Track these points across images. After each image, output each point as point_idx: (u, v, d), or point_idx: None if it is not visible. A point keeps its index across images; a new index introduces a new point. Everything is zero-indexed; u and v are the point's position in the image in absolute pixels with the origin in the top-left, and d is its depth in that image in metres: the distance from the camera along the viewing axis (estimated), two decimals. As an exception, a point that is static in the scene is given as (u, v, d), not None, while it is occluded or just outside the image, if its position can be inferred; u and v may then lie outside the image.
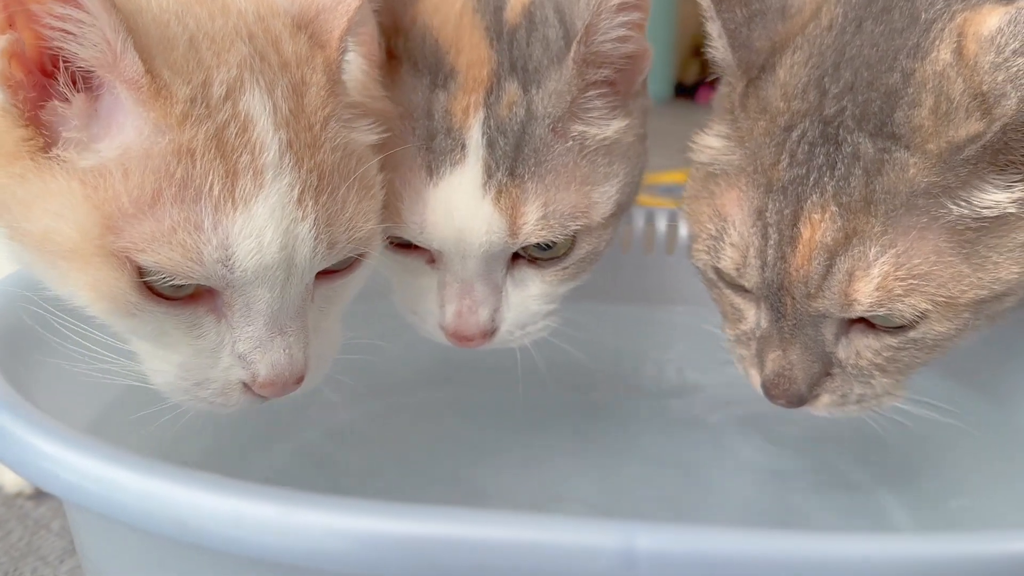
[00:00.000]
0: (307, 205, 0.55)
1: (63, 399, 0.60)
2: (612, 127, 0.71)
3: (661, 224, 0.95)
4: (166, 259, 0.51)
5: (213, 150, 0.52)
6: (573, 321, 0.80)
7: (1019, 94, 0.53)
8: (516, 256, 0.72)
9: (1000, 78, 0.54)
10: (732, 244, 0.63)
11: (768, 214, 0.60)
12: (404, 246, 0.71)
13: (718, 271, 0.66)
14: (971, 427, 0.76)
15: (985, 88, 0.55)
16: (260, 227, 0.53)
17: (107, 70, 0.52)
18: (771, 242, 0.60)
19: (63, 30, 0.50)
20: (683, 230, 0.94)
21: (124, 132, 0.52)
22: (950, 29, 0.58)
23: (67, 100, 0.53)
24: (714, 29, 0.64)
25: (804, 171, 0.59)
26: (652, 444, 0.89)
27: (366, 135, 0.63)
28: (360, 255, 0.61)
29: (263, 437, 0.80)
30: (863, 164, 0.57)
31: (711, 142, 0.67)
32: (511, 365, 0.94)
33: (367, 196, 0.60)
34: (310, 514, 0.43)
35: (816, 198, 0.58)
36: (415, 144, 0.68)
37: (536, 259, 0.72)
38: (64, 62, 0.52)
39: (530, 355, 0.84)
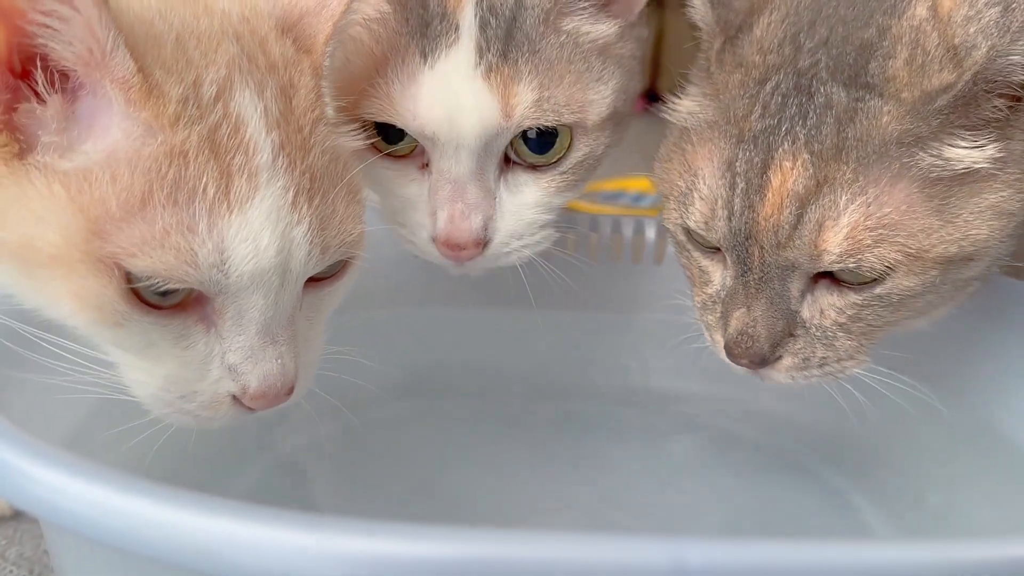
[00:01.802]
0: (302, 208, 0.53)
1: (37, 415, 0.57)
2: (604, 28, 0.72)
3: (628, 232, 0.95)
4: (159, 263, 0.49)
5: (207, 151, 0.50)
6: (541, 329, 0.79)
7: (988, 43, 0.54)
8: (511, 162, 0.72)
9: (972, 30, 0.56)
10: (701, 197, 0.63)
11: (738, 164, 0.61)
12: (394, 157, 0.71)
13: (687, 231, 0.66)
14: (937, 424, 0.78)
15: (957, 41, 0.56)
16: (256, 230, 0.51)
17: (93, 69, 0.49)
18: (738, 191, 0.61)
19: (47, 26, 0.48)
20: (651, 235, 0.95)
21: (110, 133, 0.50)
22: None
23: (44, 102, 0.50)
24: None
25: (776, 121, 0.60)
26: (624, 452, 0.89)
27: (350, 140, 0.62)
28: (348, 260, 0.59)
29: (237, 452, 0.78)
30: (835, 113, 0.58)
31: (685, 103, 0.68)
32: (481, 373, 0.94)
33: (354, 200, 0.59)
34: (308, 536, 0.41)
35: (787, 146, 0.59)
36: (409, 33, 0.68)
37: (533, 165, 0.72)
38: (43, 61, 0.49)
39: (501, 364, 0.84)
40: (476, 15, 0.68)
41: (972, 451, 0.81)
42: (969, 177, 0.58)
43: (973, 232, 0.58)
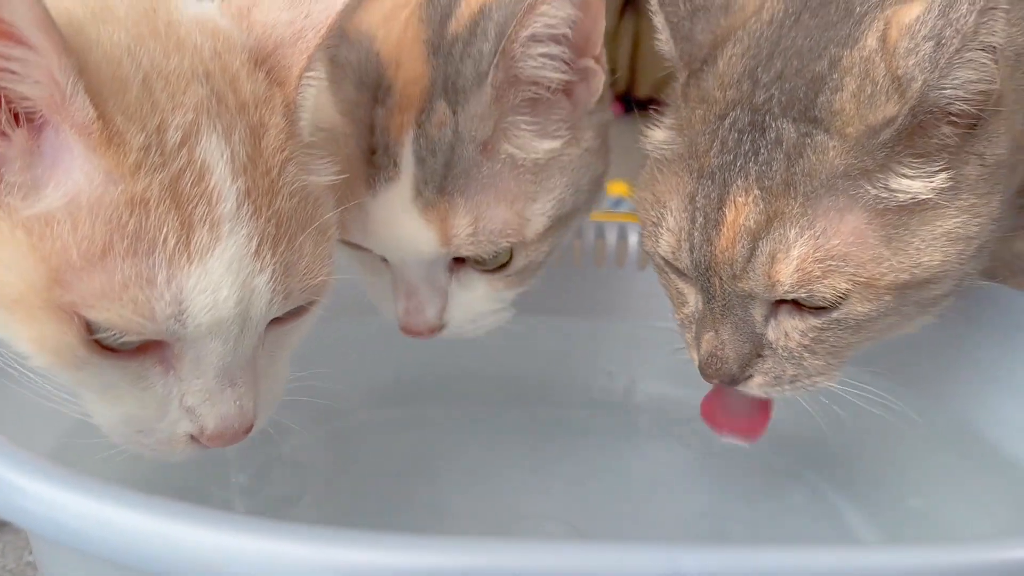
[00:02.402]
0: (265, 257, 0.53)
1: (23, 424, 0.58)
2: (546, 146, 0.71)
3: (611, 237, 0.96)
4: (116, 316, 0.48)
5: (168, 201, 0.50)
6: (525, 335, 0.79)
7: (923, 76, 0.54)
8: (461, 259, 0.72)
9: (911, 62, 0.56)
10: (668, 229, 0.65)
11: (698, 199, 0.62)
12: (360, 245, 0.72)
13: (664, 258, 0.67)
14: (916, 428, 0.78)
15: (900, 72, 0.56)
16: (216, 282, 0.51)
17: (54, 111, 0.49)
18: (698, 224, 0.62)
19: (6, 69, 0.47)
20: (633, 241, 0.95)
21: (72, 177, 0.49)
22: (880, 18, 0.59)
23: (7, 136, 0.49)
24: (658, 22, 0.66)
25: (732, 157, 0.61)
26: (610, 458, 0.89)
27: (322, 176, 0.61)
28: (312, 301, 0.59)
29: (221, 459, 0.78)
30: (785, 148, 0.59)
31: (658, 134, 0.68)
32: (465, 380, 0.94)
33: (323, 240, 0.58)
34: (299, 546, 0.43)
35: (740, 182, 0.60)
36: (359, 157, 0.69)
37: (480, 263, 0.73)
38: (5, 100, 0.49)
39: (482, 370, 0.84)
40: (414, 152, 0.68)
41: (951, 453, 0.82)
42: (919, 206, 0.58)
43: (925, 259, 0.59)
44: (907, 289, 0.60)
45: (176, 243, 0.49)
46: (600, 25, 0.69)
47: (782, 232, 0.59)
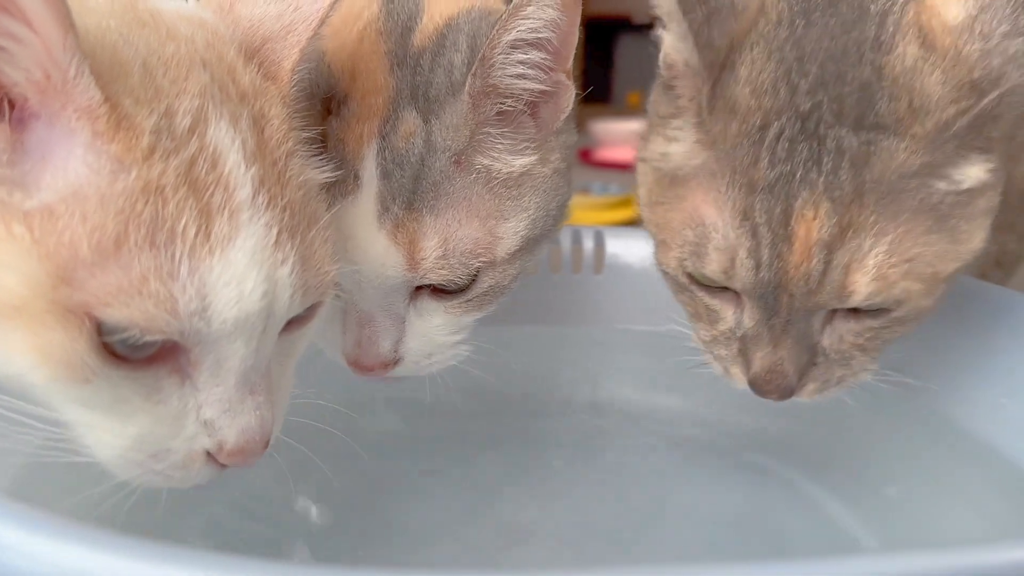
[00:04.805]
0: (285, 247, 0.49)
1: None
2: (520, 162, 0.68)
3: (588, 244, 0.95)
4: (137, 312, 0.44)
5: (185, 187, 0.46)
6: (506, 345, 0.77)
7: (1020, 73, 0.56)
8: (420, 287, 0.69)
9: (995, 62, 0.56)
10: (717, 248, 0.62)
11: (756, 214, 0.60)
12: None
13: (691, 276, 0.66)
14: (894, 418, 0.80)
15: (977, 75, 0.57)
16: (241, 274, 0.47)
17: (52, 97, 0.44)
18: (764, 242, 0.60)
19: None
20: (611, 248, 0.94)
21: (72, 168, 0.45)
22: (907, 22, 0.60)
23: None
24: (679, 30, 0.62)
25: (788, 168, 0.59)
26: (593, 467, 0.88)
27: (318, 173, 0.58)
28: (321, 300, 0.55)
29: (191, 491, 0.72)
30: (850, 157, 0.58)
31: (674, 150, 0.66)
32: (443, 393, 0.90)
33: (328, 236, 0.55)
34: None
35: (807, 195, 0.59)
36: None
37: (438, 290, 0.69)
38: None
39: (463, 382, 0.80)
40: (378, 164, 0.65)
41: (925, 441, 0.83)
42: (969, 192, 0.60)
43: (975, 242, 0.61)
44: (956, 274, 0.61)
45: (196, 232, 0.46)
46: (576, 30, 0.67)
47: (857, 242, 0.58)
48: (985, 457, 0.79)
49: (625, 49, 4.13)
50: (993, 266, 1.05)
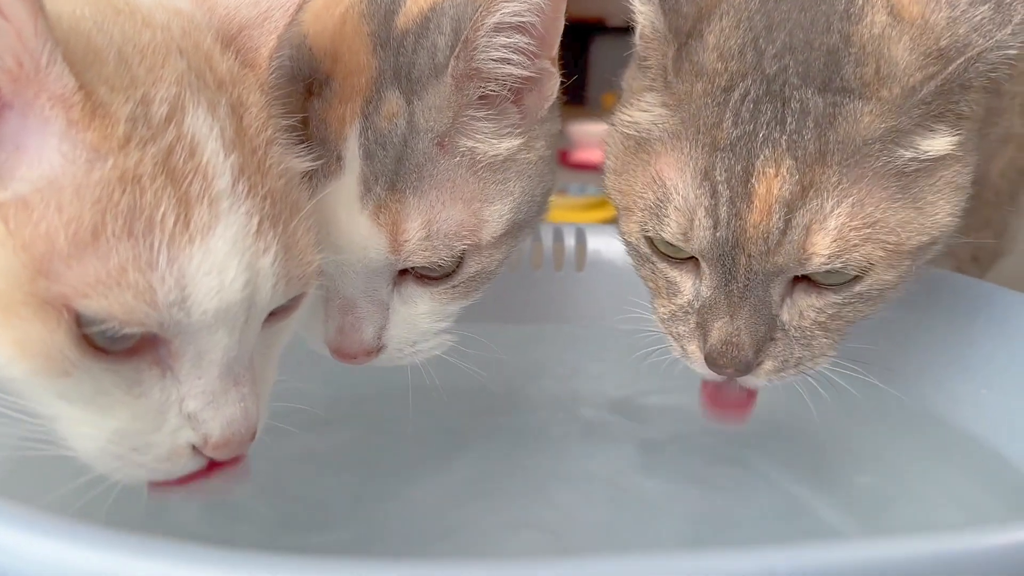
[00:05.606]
0: (266, 236, 0.49)
1: None
2: (504, 145, 0.68)
3: (570, 241, 0.94)
4: (116, 303, 0.43)
5: (162, 176, 0.45)
6: (489, 342, 0.77)
7: (984, 40, 0.56)
8: (403, 271, 0.68)
9: (961, 30, 0.57)
10: (676, 208, 0.62)
11: (716, 172, 0.60)
12: None
13: (651, 243, 0.65)
14: (871, 408, 0.79)
15: (944, 43, 0.57)
16: (221, 262, 0.46)
17: (24, 86, 0.44)
18: (723, 200, 0.60)
19: None
20: (592, 245, 0.94)
21: (47, 158, 0.44)
22: None
23: None
24: None
25: (752, 128, 0.59)
26: (577, 462, 0.87)
27: (300, 162, 0.58)
28: (304, 291, 0.55)
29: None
30: (814, 117, 0.59)
31: (639, 116, 0.66)
32: (426, 390, 0.90)
33: (310, 226, 0.55)
34: None
35: (768, 153, 0.59)
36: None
37: (423, 276, 0.69)
38: None
39: (448, 378, 0.80)
40: (361, 145, 0.64)
41: (899, 428, 0.84)
42: (935, 163, 0.60)
43: (939, 215, 0.61)
44: (920, 251, 0.61)
45: (175, 222, 0.45)
46: (562, 16, 0.67)
47: (819, 202, 0.58)
48: (966, 447, 0.79)
49: (600, 52, 4.13)
50: (970, 262, 1.06)
